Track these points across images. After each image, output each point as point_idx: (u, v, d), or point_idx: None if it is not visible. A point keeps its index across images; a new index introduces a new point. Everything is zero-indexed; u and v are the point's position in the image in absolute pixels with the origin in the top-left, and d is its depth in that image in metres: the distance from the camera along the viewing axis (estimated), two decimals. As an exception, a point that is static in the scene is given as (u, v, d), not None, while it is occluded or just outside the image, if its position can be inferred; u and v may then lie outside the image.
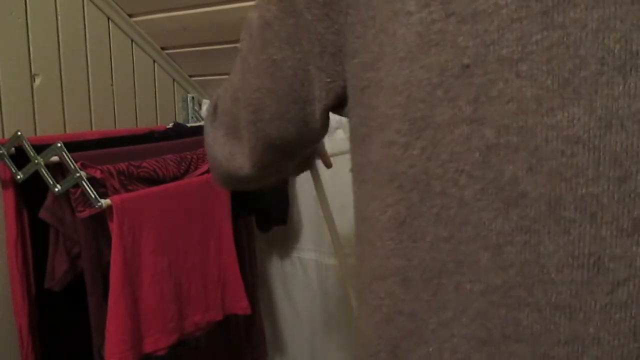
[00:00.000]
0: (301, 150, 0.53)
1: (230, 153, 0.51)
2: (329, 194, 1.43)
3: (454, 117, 0.33)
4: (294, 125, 0.47)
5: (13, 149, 0.96)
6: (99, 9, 1.25)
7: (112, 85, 1.31)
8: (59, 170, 0.95)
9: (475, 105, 0.33)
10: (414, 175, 0.36)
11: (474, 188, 0.33)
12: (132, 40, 1.36)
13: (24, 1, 1.07)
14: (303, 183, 1.50)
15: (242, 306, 1.20)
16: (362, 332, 0.42)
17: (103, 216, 0.95)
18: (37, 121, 1.11)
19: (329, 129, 0.53)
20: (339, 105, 0.44)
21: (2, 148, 0.95)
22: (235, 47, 1.35)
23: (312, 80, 0.43)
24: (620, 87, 0.29)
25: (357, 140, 0.41)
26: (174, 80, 1.52)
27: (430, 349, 0.36)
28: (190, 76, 1.56)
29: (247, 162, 0.50)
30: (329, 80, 0.42)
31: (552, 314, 0.31)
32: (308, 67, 0.42)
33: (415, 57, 0.34)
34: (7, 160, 0.95)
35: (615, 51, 0.29)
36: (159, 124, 1.47)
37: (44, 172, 0.92)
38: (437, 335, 0.36)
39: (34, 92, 1.10)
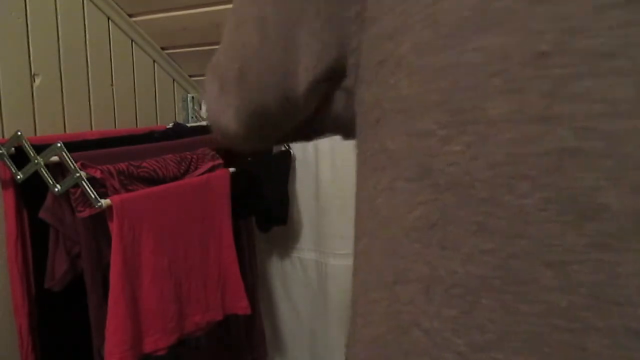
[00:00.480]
0: (285, 124, 0.47)
1: (220, 108, 0.47)
2: (330, 194, 1.43)
3: (516, 112, 0.29)
4: (275, 95, 0.41)
5: (13, 149, 0.96)
6: (99, 9, 1.25)
7: (112, 85, 1.31)
8: (59, 170, 0.95)
9: (549, 100, 0.28)
10: (453, 174, 0.31)
11: (537, 197, 0.29)
12: (132, 40, 1.36)
13: (24, 1, 1.07)
14: (303, 183, 1.50)
15: (242, 306, 1.20)
16: (375, 335, 0.37)
17: (103, 216, 0.95)
18: (37, 121, 1.11)
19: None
20: (331, 80, 0.39)
21: (2, 148, 0.95)
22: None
23: (299, 46, 0.38)
24: None
25: (369, 121, 0.36)
26: (174, 80, 1.52)
27: None
28: (190, 76, 1.56)
29: (233, 120, 0.46)
30: (320, 47, 0.37)
31: (628, 340, 0.28)
32: (297, 29, 0.37)
33: (466, 36, 0.29)
34: (7, 160, 0.95)
35: None
36: (159, 124, 1.47)
37: (44, 172, 0.92)
38: (466, 359, 0.32)
39: (34, 92, 1.10)
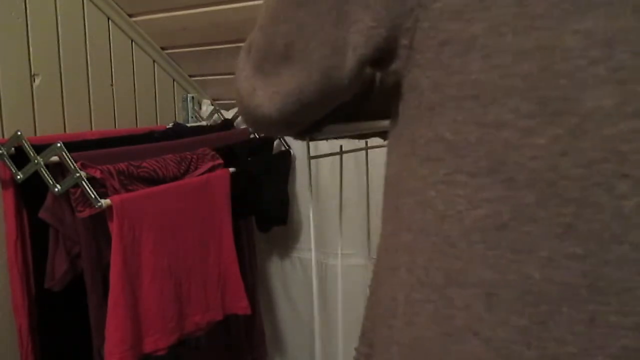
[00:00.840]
0: (320, 109, 0.43)
1: (253, 87, 0.43)
2: (329, 195, 1.43)
3: (620, 105, 0.26)
4: (318, 75, 0.37)
5: (13, 149, 0.96)
6: (99, 9, 1.25)
7: (112, 85, 1.31)
8: (59, 170, 0.94)
9: None
10: (536, 170, 0.28)
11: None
12: (132, 40, 1.36)
13: (24, 1, 1.07)
14: (303, 183, 1.50)
15: (242, 306, 1.20)
16: (419, 337, 0.34)
17: (103, 216, 0.95)
18: (37, 121, 1.11)
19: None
20: (381, 61, 0.36)
21: (2, 148, 0.95)
22: (235, 47, 1.36)
23: (350, 22, 0.34)
24: None
25: (422, 108, 0.33)
26: (174, 80, 1.52)
27: None
28: (190, 76, 1.56)
29: (267, 101, 0.41)
30: (373, 24, 0.33)
31: None
32: (350, 4, 0.34)
33: (563, 17, 0.26)
34: (7, 160, 0.95)
35: None
36: (159, 124, 1.47)
37: (44, 172, 0.92)
38: None
39: (34, 92, 1.10)
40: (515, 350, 0.29)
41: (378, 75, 0.47)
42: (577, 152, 0.27)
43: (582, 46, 0.26)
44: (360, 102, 0.49)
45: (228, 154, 1.26)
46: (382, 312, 0.38)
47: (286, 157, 1.47)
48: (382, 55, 0.35)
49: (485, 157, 0.29)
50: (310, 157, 0.62)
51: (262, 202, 1.38)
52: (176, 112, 1.54)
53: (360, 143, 0.77)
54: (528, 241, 0.28)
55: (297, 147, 1.49)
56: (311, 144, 1.43)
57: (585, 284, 0.27)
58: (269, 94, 0.40)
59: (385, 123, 0.65)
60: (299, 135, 0.51)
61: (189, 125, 1.49)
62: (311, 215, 0.69)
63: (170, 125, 1.42)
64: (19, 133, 0.94)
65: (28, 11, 1.08)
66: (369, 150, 0.82)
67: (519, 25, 0.27)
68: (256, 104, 0.42)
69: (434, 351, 0.32)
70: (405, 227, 0.35)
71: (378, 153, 0.80)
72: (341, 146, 0.82)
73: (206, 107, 1.60)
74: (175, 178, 1.12)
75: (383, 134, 0.70)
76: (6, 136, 1.01)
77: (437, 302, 0.32)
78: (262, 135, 1.44)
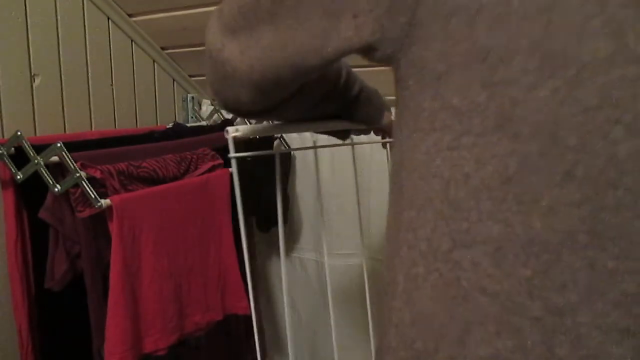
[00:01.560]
0: (292, 79, 0.41)
1: (222, 43, 0.42)
2: (327, 195, 1.43)
3: (614, 54, 0.27)
4: (303, 37, 0.37)
5: (13, 149, 0.96)
6: (99, 9, 1.25)
7: (112, 85, 1.31)
8: (59, 170, 0.94)
9: None
10: (537, 122, 0.29)
11: (633, 143, 0.27)
12: (132, 40, 1.36)
13: (24, 1, 1.07)
14: (303, 183, 1.50)
15: (242, 306, 1.20)
16: (420, 312, 0.34)
17: (103, 216, 0.95)
18: (37, 121, 1.11)
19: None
20: (373, 45, 0.36)
21: (2, 148, 0.95)
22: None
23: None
24: None
25: (426, 81, 0.34)
26: (174, 80, 1.52)
27: (530, 342, 0.29)
28: (190, 76, 1.56)
29: (238, 55, 0.41)
30: (371, 6, 0.34)
31: None
32: None
33: None
34: (7, 160, 0.95)
35: None
36: (159, 124, 1.47)
37: (44, 172, 0.92)
38: (544, 325, 0.29)
39: (34, 92, 1.10)
40: (519, 301, 0.29)
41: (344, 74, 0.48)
42: (574, 101, 0.28)
43: (579, 2, 0.28)
44: (320, 99, 0.49)
45: (228, 154, 1.26)
46: (384, 299, 0.38)
47: (286, 157, 1.47)
48: (375, 39, 0.35)
49: (492, 116, 0.30)
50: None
51: (262, 202, 1.38)
52: (176, 112, 1.54)
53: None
54: (531, 192, 0.29)
55: (296, 146, 1.49)
56: (297, 138, 1.43)
57: (583, 230, 0.28)
58: (239, 49, 0.40)
59: (335, 124, 0.66)
60: (260, 115, 0.50)
61: (189, 125, 1.50)
62: (321, 214, 0.69)
63: (170, 125, 1.42)
64: (19, 133, 0.94)
65: (28, 11, 1.08)
66: (370, 150, 0.82)
67: None
68: (225, 58, 0.41)
69: (437, 322, 0.33)
70: (407, 205, 0.36)
71: (378, 152, 0.80)
72: (315, 142, 0.83)
73: (206, 107, 1.60)
74: (175, 178, 1.12)
75: (338, 133, 0.71)
76: (6, 136, 1.01)
77: (441, 269, 0.33)
78: (261, 136, 1.44)
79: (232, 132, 0.55)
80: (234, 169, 0.58)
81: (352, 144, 0.76)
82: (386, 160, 1.28)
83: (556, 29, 0.28)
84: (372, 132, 0.77)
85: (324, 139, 0.76)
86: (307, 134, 1.40)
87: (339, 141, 0.73)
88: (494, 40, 0.30)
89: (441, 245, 0.33)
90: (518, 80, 0.29)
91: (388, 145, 0.85)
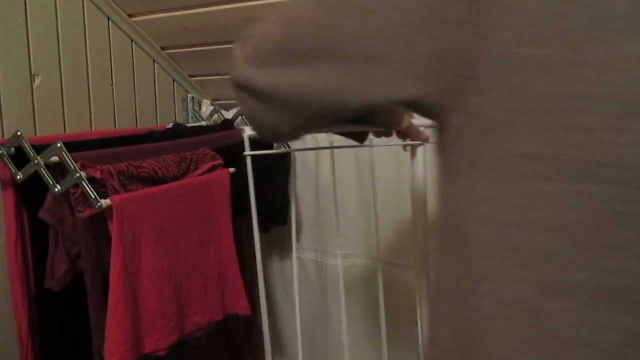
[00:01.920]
0: (321, 115, 0.42)
1: (257, 76, 0.43)
2: (330, 194, 1.43)
3: None
4: (348, 79, 0.37)
5: (13, 149, 0.96)
6: (99, 9, 1.25)
7: (112, 85, 1.31)
8: (59, 170, 0.94)
9: None
10: (624, 166, 0.29)
11: None
12: (132, 40, 1.36)
13: (24, 1, 1.07)
14: (303, 183, 1.50)
15: (242, 306, 1.20)
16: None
17: (103, 216, 0.95)
18: (37, 121, 1.11)
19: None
20: (425, 98, 0.36)
21: (2, 148, 0.95)
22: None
23: (408, 48, 0.35)
24: None
25: (490, 128, 0.33)
26: (174, 80, 1.52)
27: None
28: (190, 76, 1.56)
29: (265, 78, 0.42)
30: (429, 51, 0.34)
31: None
32: (408, 28, 0.35)
33: (633, 27, 0.28)
34: (7, 160, 0.95)
35: None
36: (159, 124, 1.47)
37: (44, 172, 0.92)
38: None
39: (34, 92, 1.10)
40: (622, 351, 0.29)
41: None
42: None
43: None
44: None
45: (228, 154, 1.26)
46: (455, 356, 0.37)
47: (286, 157, 1.47)
48: (425, 90, 0.35)
49: (574, 162, 0.30)
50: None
51: (262, 202, 1.37)
52: (176, 112, 1.54)
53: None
54: (624, 236, 0.29)
55: (296, 147, 1.49)
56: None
57: None
58: (279, 83, 0.41)
59: (354, 126, 0.65)
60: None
61: (189, 125, 1.50)
62: (335, 213, 0.69)
63: (170, 125, 1.42)
64: (19, 133, 0.94)
65: (28, 11, 1.08)
66: (370, 150, 0.82)
67: (592, 40, 0.29)
68: (263, 92, 0.42)
69: None
70: (480, 256, 0.35)
71: (378, 152, 0.80)
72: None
73: (206, 107, 1.60)
74: (175, 178, 1.12)
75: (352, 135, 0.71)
76: (6, 136, 1.01)
77: (532, 320, 0.32)
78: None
79: (247, 131, 0.57)
80: (248, 166, 0.59)
81: (371, 146, 0.76)
82: (386, 161, 1.28)
83: (633, 76, 0.28)
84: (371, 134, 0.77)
85: (338, 139, 0.75)
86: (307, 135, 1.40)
87: (350, 142, 0.73)
88: (567, 88, 0.30)
89: (530, 296, 0.32)
90: (598, 127, 0.29)
91: (409, 147, 0.86)
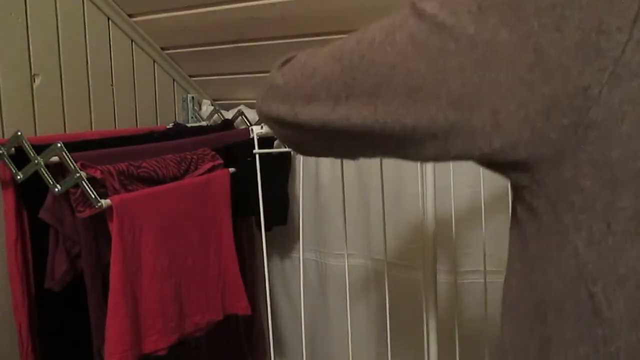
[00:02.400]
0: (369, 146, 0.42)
1: (294, 110, 0.42)
2: (330, 194, 1.43)
3: None
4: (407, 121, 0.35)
5: (13, 149, 0.96)
6: (99, 9, 1.25)
7: (112, 85, 1.31)
8: (59, 170, 0.95)
9: None
10: None
11: None
12: (132, 40, 1.36)
13: (24, 1, 1.07)
14: (303, 183, 1.50)
15: (242, 306, 1.20)
16: None
17: (103, 216, 0.95)
18: (37, 121, 1.11)
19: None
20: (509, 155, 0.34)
21: (2, 148, 0.95)
22: (235, 47, 1.36)
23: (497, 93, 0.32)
24: None
25: (616, 181, 0.32)
26: (174, 80, 1.52)
27: None
28: (190, 76, 1.56)
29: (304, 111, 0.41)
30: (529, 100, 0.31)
31: None
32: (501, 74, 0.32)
33: None
34: (7, 160, 0.95)
35: None
36: (159, 124, 1.47)
37: (44, 172, 0.92)
38: None
39: (34, 92, 1.10)
40: None
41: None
42: None
43: None
44: None
45: (228, 154, 1.26)
46: None
47: (286, 157, 1.47)
48: (518, 141, 0.33)
49: None
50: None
51: (262, 201, 1.37)
52: (176, 112, 1.54)
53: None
54: None
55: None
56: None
57: None
58: (326, 117, 0.40)
59: None
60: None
61: (189, 125, 1.50)
62: (343, 212, 0.69)
63: (170, 125, 1.42)
64: (19, 133, 0.94)
65: (28, 11, 1.08)
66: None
67: None
68: (303, 124, 0.42)
69: None
70: (612, 324, 0.32)
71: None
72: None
73: (206, 107, 1.60)
74: (175, 178, 1.12)
75: None
76: (6, 136, 1.01)
77: None
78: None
79: (256, 130, 0.58)
80: (257, 164, 0.60)
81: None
82: (386, 161, 1.28)
83: None
84: None
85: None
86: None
87: None
88: None
89: None
90: None
91: None
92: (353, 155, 0.49)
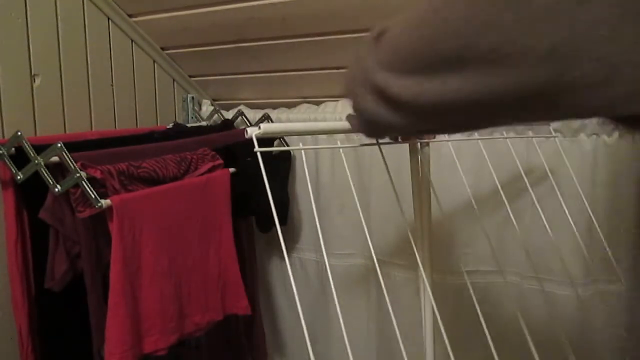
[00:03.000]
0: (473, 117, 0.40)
1: (387, 80, 0.40)
2: (329, 195, 1.43)
3: None
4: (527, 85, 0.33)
5: (13, 149, 0.96)
6: (99, 9, 1.25)
7: (112, 85, 1.31)
8: (59, 170, 0.95)
9: None
10: None
11: None
12: (132, 40, 1.36)
13: (24, 1, 1.07)
14: (303, 183, 1.50)
15: (242, 306, 1.20)
16: None
17: (103, 216, 0.95)
18: (37, 121, 1.11)
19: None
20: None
21: (2, 148, 0.95)
22: (235, 47, 1.36)
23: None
24: None
25: None
26: (174, 80, 1.52)
27: None
28: (190, 76, 1.56)
29: (405, 89, 0.39)
30: None
31: None
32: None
33: None
34: (7, 161, 0.95)
35: None
36: (159, 124, 1.47)
37: (44, 172, 0.92)
38: None
39: (34, 92, 1.10)
40: None
41: None
42: None
43: None
44: None
45: (228, 154, 1.26)
46: None
47: (286, 157, 1.47)
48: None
49: None
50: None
51: (262, 202, 1.37)
52: (176, 112, 1.54)
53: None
54: None
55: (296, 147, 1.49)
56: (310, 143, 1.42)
57: None
58: (418, 90, 0.38)
59: None
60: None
61: (189, 125, 1.50)
62: (360, 214, 0.69)
63: (170, 125, 1.42)
64: (19, 133, 0.94)
65: (28, 11, 1.08)
66: (370, 150, 0.82)
67: None
68: (395, 96, 0.40)
69: None
70: None
71: (378, 152, 0.80)
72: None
73: (206, 107, 1.60)
74: (175, 178, 1.12)
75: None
76: (6, 136, 1.01)
77: None
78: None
79: (255, 130, 0.59)
80: (260, 163, 0.61)
81: (376, 144, 0.76)
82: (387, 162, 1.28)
83: None
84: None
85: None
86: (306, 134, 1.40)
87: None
88: None
89: None
90: None
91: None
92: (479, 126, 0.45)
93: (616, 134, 1.11)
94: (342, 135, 1.38)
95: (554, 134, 1.11)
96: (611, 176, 1.07)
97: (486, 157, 1.01)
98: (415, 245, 0.64)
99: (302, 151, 0.67)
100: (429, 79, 0.37)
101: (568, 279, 1.14)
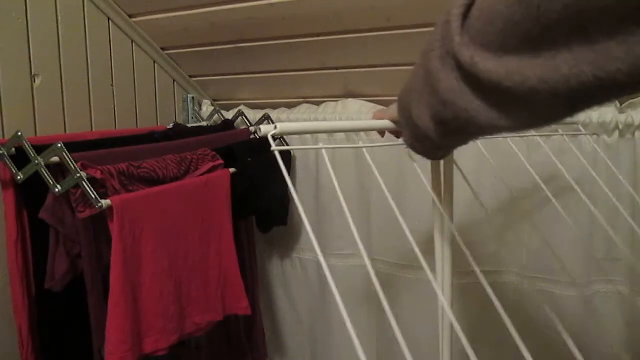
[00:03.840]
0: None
1: (472, 57, 0.35)
2: (330, 194, 1.43)
3: None
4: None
5: (13, 149, 0.96)
6: (99, 9, 1.25)
7: (112, 85, 1.31)
8: (59, 170, 0.95)
9: None
10: None
11: None
12: (132, 40, 1.36)
13: (24, 1, 1.07)
14: (303, 183, 1.50)
15: (242, 306, 1.20)
16: None
17: (103, 216, 0.95)
18: (37, 121, 1.11)
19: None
20: None
21: (2, 148, 0.95)
22: (235, 47, 1.36)
23: None
24: None
25: None
26: (174, 80, 1.52)
27: None
28: (190, 76, 1.56)
29: (499, 69, 0.33)
30: None
31: None
32: None
33: None
34: (7, 161, 0.95)
35: None
36: (159, 124, 1.47)
37: (44, 173, 0.92)
38: None
39: (34, 92, 1.10)
40: None
41: None
42: None
43: None
44: None
45: (228, 154, 1.26)
46: None
47: (286, 157, 1.47)
48: None
49: None
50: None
51: (262, 202, 1.38)
52: (176, 112, 1.54)
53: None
54: None
55: (297, 147, 1.49)
56: (310, 143, 1.42)
57: None
58: (506, 67, 0.32)
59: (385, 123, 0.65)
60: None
61: (189, 125, 1.50)
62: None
63: (171, 125, 1.42)
64: (19, 133, 0.94)
65: (28, 11, 1.08)
66: (365, 149, 0.82)
67: None
68: (480, 73, 0.34)
69: None
70: None
71: (379, 152, 0.80)
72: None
73: (206, 107, 1.60)
74: (175, 178, 1.12)
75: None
76: (6, 136, 1.01)
77: None
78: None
79: (270, 129, 0.58)
80: (280, 161, 0.60)
81: (383, 144, 0.76)
82: (387, 160, 1.28)
83: None
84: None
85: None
86: (307, 135, 1.40)
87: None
88: None
89: None
90: None
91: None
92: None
93: (616, 134, 1.11)
94: (342, 135, 1.39)
95: (583, 130, 1.09)
96: (611, 176, 1.07)
97: (488, 157, 1.01)
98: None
99: (322, 150, 0.66)
100: (531, 57, 0.31)
101: (574, 279, 1.14)
